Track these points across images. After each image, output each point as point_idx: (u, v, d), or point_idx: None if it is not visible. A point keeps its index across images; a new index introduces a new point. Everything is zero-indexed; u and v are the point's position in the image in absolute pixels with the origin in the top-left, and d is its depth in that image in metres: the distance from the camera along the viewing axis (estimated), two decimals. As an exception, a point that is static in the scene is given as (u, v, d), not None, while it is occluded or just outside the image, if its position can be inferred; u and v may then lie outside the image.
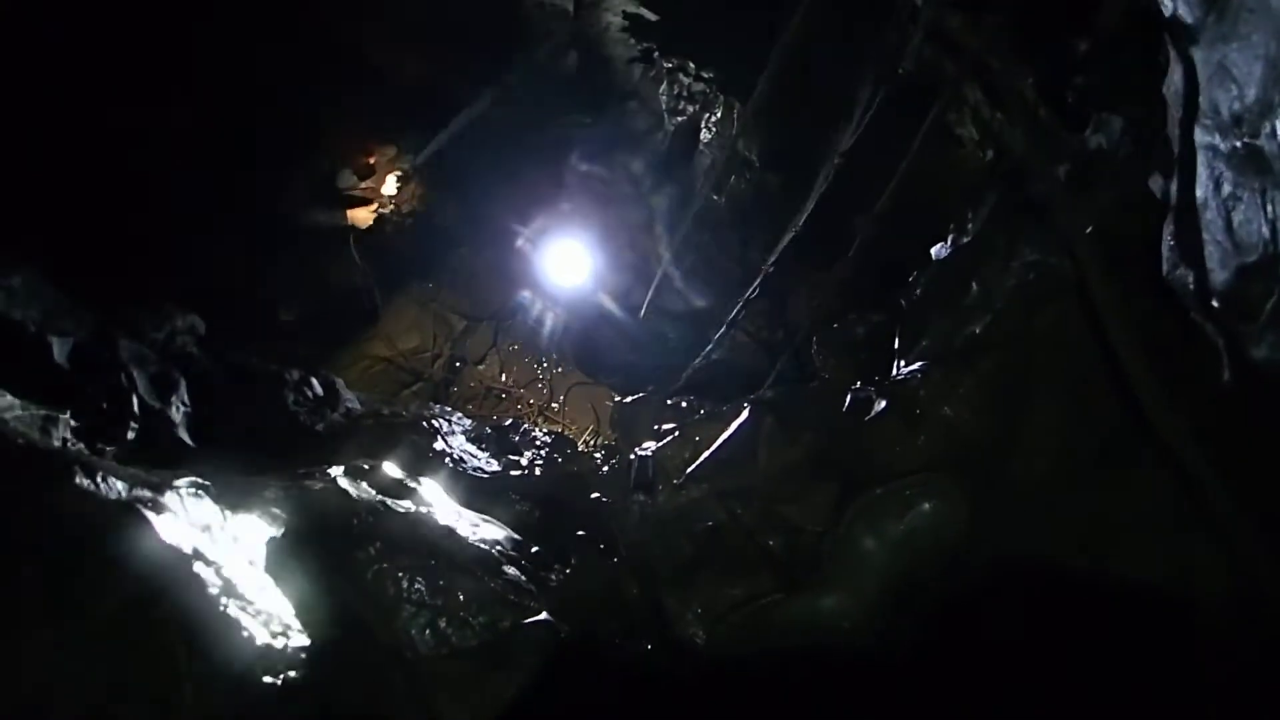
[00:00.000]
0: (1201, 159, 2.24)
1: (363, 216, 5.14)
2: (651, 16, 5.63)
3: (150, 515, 2.66)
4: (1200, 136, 2.23)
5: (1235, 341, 2.29)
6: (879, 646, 2.71)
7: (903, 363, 3.47)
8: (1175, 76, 2.31)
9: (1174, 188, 2.40)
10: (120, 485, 2.72)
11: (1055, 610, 2.56)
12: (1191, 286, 2.38)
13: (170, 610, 2.54)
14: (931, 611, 2.71)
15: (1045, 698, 2.42)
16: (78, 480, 2.61)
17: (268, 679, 2.55)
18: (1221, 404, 2.38)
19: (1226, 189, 2.17)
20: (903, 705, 2.49)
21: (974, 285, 3.37)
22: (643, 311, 5.37)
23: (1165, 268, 2.48)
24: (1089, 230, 2.85)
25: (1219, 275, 2.25)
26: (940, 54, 3.76)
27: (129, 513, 2.65)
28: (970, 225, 3.72)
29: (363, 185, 5.08)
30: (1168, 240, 2.47)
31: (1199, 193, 2.27)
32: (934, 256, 3.89)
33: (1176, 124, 2.35)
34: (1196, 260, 2.34)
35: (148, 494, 2.76)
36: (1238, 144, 2.10)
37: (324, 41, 5.13)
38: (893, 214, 4.40)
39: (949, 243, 3.79)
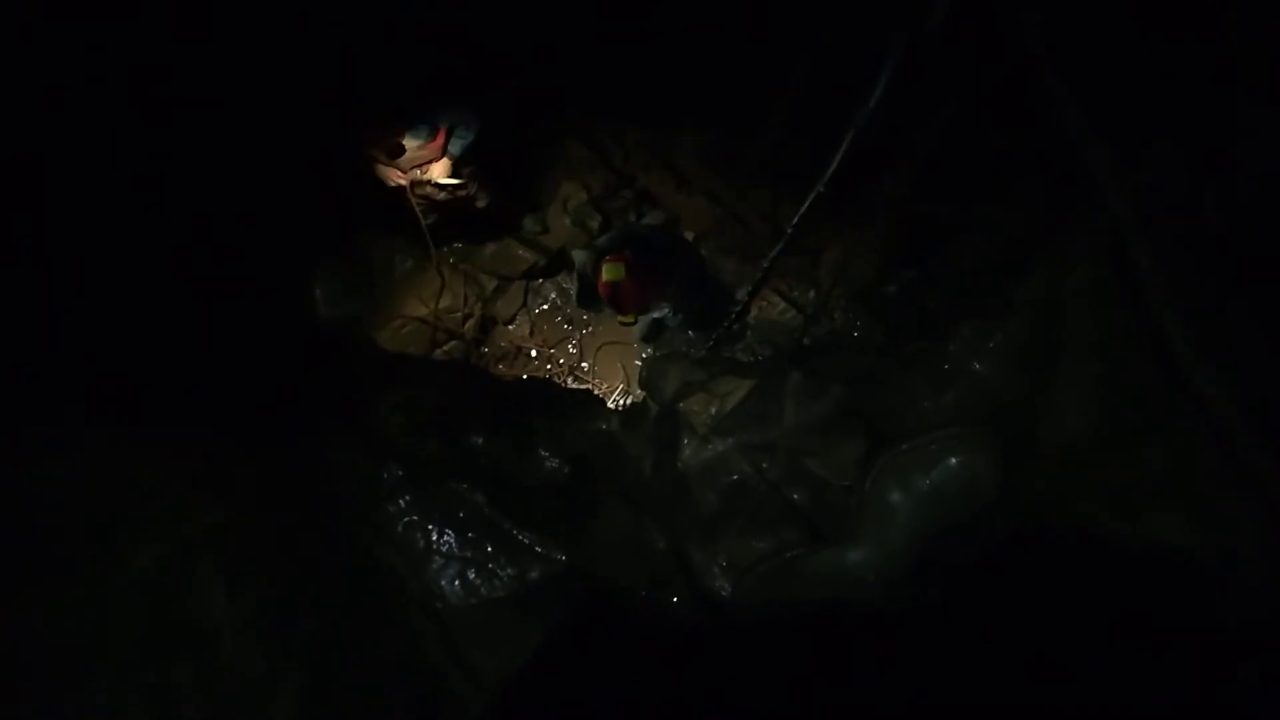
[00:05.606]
0: (1244, 105, 2.18)
1: (394, 177, 5.08)
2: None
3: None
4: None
5: (1276, 298, 2.24)
6: (904, 600, 2.72)
7: (933, 319, 3.44)
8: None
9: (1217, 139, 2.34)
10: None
11: (1084, 567, 2.54)
12: (1231, 243, 2.32)
13: (207, 560, 2.61)
14: (958, 567, 2.71)
15: (1071, 654, 2.41)
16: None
17: (303, 625, 2.61)
18: (1259, 362, 2.33)
19: (1270, 137, 2.12)
20: (927, 657, 2.50)
21: (1007, 242, 3.32)
22: (688, 306, 5.32)
23: (1205, 223, 2.42)
24: (1128, 185, 2.79)
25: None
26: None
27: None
28: (1004, 182, 3.65)
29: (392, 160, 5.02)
30: (1209, 194, 2.41)
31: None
32: (967, 213, 3.83)
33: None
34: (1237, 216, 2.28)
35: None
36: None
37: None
38: (925, 171, 4.32)
39: (981, 199, 3.73)
